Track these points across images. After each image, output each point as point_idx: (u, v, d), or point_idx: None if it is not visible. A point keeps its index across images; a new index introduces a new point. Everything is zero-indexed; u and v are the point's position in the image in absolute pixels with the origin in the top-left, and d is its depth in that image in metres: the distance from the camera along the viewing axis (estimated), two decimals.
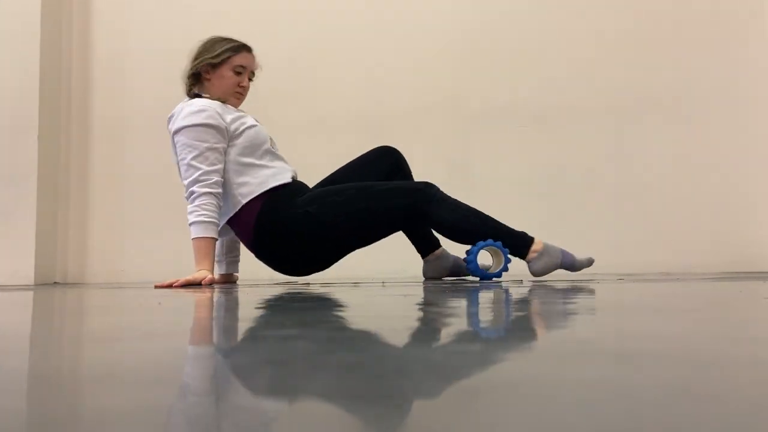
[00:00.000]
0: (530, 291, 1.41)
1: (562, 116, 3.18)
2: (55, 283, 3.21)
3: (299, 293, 1.51)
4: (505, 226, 2.05)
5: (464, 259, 2.05)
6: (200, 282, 1.89)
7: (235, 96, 2.16)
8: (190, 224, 1.96)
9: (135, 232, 3.28)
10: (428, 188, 2.05)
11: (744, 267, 3.01)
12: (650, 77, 3.17)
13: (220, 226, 2.06)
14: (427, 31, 3.28)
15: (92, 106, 3.39)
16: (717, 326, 0.71)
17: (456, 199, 2.06)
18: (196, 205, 1.96)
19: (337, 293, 1.47)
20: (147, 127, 3.34)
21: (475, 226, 2.01)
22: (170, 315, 0.99)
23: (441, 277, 2.23)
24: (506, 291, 1.44)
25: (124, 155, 3.35)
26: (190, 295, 1.50)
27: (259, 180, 2.03)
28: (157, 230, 3.23)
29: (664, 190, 3.13)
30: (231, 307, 1.16)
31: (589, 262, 2.10)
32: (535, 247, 2.02)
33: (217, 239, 2.00)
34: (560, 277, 2.16)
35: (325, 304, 1.16)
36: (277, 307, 1.11)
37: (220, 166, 2.01)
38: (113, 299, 1.50)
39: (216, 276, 2.18)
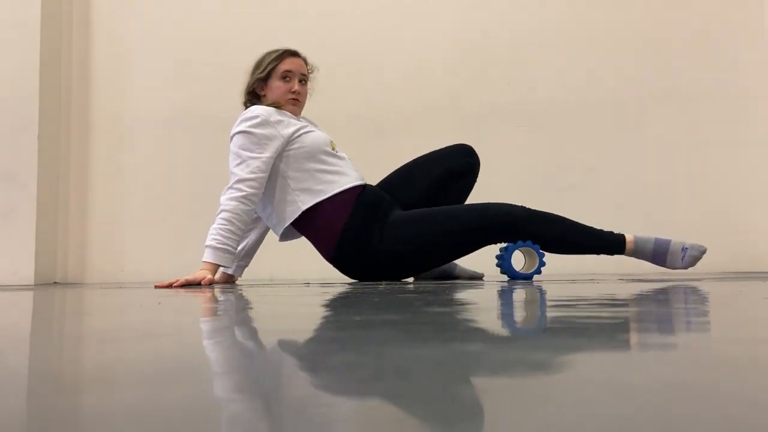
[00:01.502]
0: (530, 291, 1.41)
1: (562, 116, 3.18)
2: (55, 283, 3.21)
3: (300, 293, 1.51)
4: (590, 227, 2.05)
5: (498, 263, 2.04)
6: (200, 282, 1.89)
7: (290, 103, 2.14)
8: (206, 245, 1.94)
9: (135, 232, 3.28)
10: (511, 210, 2.04)
11: (744, 267, 3.01)
12: (650, 77, 3.17)
13: (281, 232, 2.05)
14: (427, 31, 3.28)
15: (92, 106, 3.39)
16: (717, 326, 0.71)
17: (540, 212, 2.06)
18: (215, 226, 1.94)
19: (338, 293, 1.47)
20: (147, 127, 3.34)
21: (573, 236, 2.02)
22: (170, 315, 0.99)
23: (430, 278, 2.23)
24: (504, 291, 1.44)
25: (124, 155, 3.35)
26: (189, 295, 1.50)
27: (322, 186, 2.00)
28: (157, 230, 3.23)
29: (664, 190, 3.13)
30: (231, 307, 1.16)
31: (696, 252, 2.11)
32: (628, 246, 2.04)
33: (226, 265, 1.98)
34: (560, 276, 2.16)
35: (325, 304, 1.16)
36: (277, 307, 1.11)
37: (261, 176, 1.97)
38: (113, 299, 1.50)
39: (218, 276, 2.18)
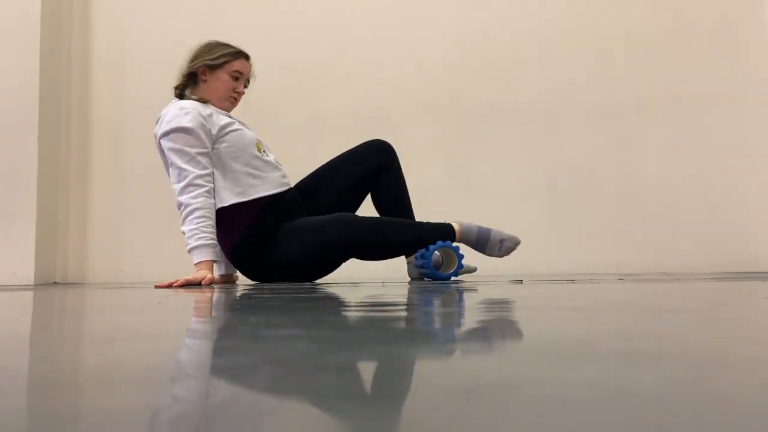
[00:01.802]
0: (529, 291, 1.41)
1: (562, 116, 3.18)
2: (55, 283, 3.21)
3: (299, 293, 1.51)
4: (422, 223, 2.09)
5: (415, 263, 2.06)
6: (200, 282, 1.89)
7: (229, 100, 2.17)
8: (190, 248, 1.94)
9: (135, 232, 3.28)
10: (341, 218, 2.05)
11: (744, 267, 3.01)
12: (650, 78, 3.17)
13: None
14: (427, 31, 3.28)
15: (92, 106, 3.39)
16: (717, 326, 0.71)
17: (367, 217, 2.07)
18: (194, 227, 1.95)
19: (337, 293, 1.47)
20: (147, 127, 3.32)
21: (406, 235, 2.04)
22: (170, 315, 0.99)
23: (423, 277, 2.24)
24: (504, 291, 1.44)
25: (124, 155, 3.35)
26: (189, 295, 1.50)
27: (240, 189, 2.03)
28: (157, 230, 3.23)
29: (663, 190, 3.13)
30: (231, 307, 1.16)
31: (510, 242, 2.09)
32: (457, 235, 2.06)
33: (217, 260, 2.00)
34: (560, 276, 2.16)
35: (325, 304, 1.16)
36: (277, 307, 1.11)
37: (211, 170, 2.01)
38: (113, 299, 1.50)
39: (216, 276, 2.19)
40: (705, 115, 3.14)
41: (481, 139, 3.20)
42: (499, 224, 2.19)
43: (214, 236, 1.97)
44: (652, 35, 3.20)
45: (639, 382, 0.39)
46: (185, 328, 0.83)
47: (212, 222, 1.97)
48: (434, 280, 2.02)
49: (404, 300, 1.21)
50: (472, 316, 0.88)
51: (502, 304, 1.08)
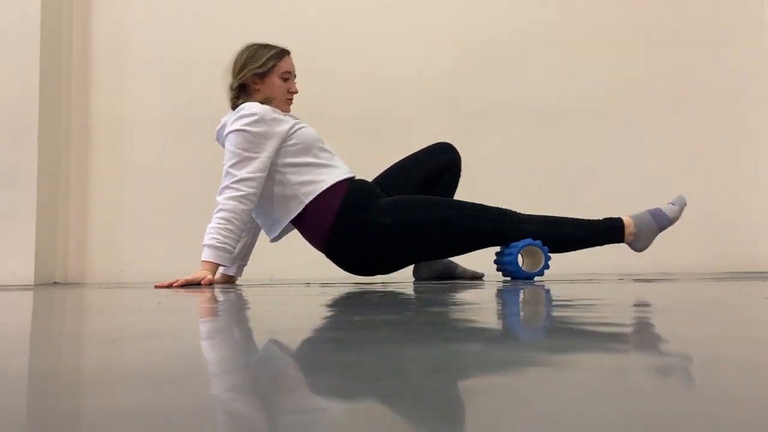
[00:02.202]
0: (529, 291, 1.41)
1: (562, 116, 3.18)
2: (55, 283, 3.21)
3: (300, 293, 1.51)
4: (584, 220, 2.07)
5: (500, 261, 2.05)
6: (199, 282, 1.89)
7: (286, 103, 2.15)
8: (203, 245, 1.94)
9: (135, 232, 3.28)
10: (506, 215, 2.06)
11: (744, 267, 3.01)
12: (650, 77, 3.17)
13: (279, 230, 2.06)
14: (427, 31, 3.28)
15: (92, 106, 3.39)
16: (717, 326, 0.71)
17: (531, 215, 2.08)
18: (214, 225, 1.94)
19: (337, 293, 1.47)
20: (147, 127, 3.34)
21: (565, 233, 2.04)
22: (170, 315, 1.00)
23: (431, 278, 2.23)
24: (503, 291, 1.44)
25: (124, 155, 3.35)
26: (190, 295, 1.50)
27: (321, 177, 2.01)
28: (157, 230, 3.23)
29: (664, 190, 3.12)
30: (231, 307, 1.16)
31: (679, 205, 2.14)
32: (628, 229, 2.05)
33: (225, 265, 1.99)
34: (560, 276, 2.16)
35: (324, 305, 1.16)
36: (277, 307, 1.11)
37: (259, 175, 1.97)
38: (113, 299, 1.50)
39: (217, 276, 2.19)
40: (705, 115, 3.14)
41: (481, 139, 3.20)
42: None
43: (230, 242, 1.94)
44: (652, 35, 3.20)
45: (639, 381, 0.39)
46: (186, 328, 0.83)
47: (234, 227, 1.94)
48: (516, 278, 2.00)
49: (404, 300, 1.21)
50: (471, 316, 0.88)
51: (502, 304, 1.08)
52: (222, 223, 1.94)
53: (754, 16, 3.16)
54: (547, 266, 1.98)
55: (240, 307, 1.15)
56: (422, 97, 3.23)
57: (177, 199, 3.25)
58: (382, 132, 3.21)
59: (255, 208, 2.07)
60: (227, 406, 0.36)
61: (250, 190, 1.96)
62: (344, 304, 1.16)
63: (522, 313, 0.92)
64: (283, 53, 2.15)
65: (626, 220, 2.08)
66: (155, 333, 0.74)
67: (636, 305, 1.03)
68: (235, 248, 1.98)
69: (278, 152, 2.02)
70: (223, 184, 1.98)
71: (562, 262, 2.91)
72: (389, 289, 1.61)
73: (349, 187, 2.03)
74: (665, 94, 3.16)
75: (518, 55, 3.23)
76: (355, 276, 2.30)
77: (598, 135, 3.16)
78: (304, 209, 2.01)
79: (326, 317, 0.92)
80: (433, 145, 2.26)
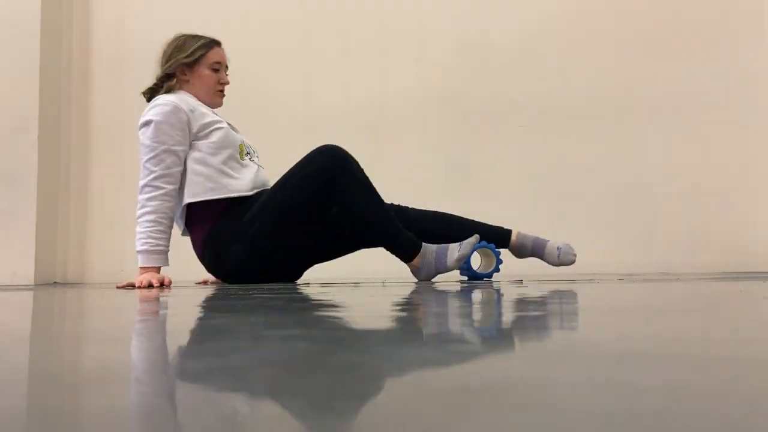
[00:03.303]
0: (529, 291, 1.41)
1: (562, 116, 3.18)
2: (55, 283, 3.21)
3: (299, 293, 1.51)
4: (398, 227, 1.97)
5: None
6: (150, 284, 1.89)
7: (217, 95, 2.12)
8: (137, 251, 1.94)
9: (135, 232, 3.27)
10: (330, 161, 1.92)
11: (744, 267, 3.01)
12: (650, 77, 3.17)
13: (181, 227, 2.05)
14: (428, 31, 3.28)
15: (92, 106, 3.39)
16: (717, 326, 0.71)
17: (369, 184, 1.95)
18: (143, 230, 1.93)
19: (337, 293, 1.47)
20: None
21: (380, 219, 1.93)
22: (170, 315, 1.00)
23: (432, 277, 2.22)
24: (504, 291, 1.44)
25: (124, 155, 3.35)
26: (190, 295, 1.50)
27: (210, 185, 1.97)
28: None
29: (664, 190, 3.13)
30: (231, 307, 1.16)
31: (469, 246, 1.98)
32: (416, 259, 1.96)
33: (164, 265, 1.97)
34: (560, 276, 2.16)
35: (324, 305, 1.16)
36: (277, 307, 1.11)
37: (176, 170, 1.96)
38: (113, 299, 1.50)
39: (212, 277, 2.21)
40: (705, 115, 3.14)
41: (481, 139, 3.20)
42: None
43: (163, 242, 1.94)
44: (652, 36, 3.20)
45: (639, 382, 0.39)
46: (186, 328, 0.83)
47: (163, 227, 1.94)
48: (473, 279, 2.04)
49: (403, 300, 1.21)
50: (470, 316, 0.88)
51: (501, 304, 1.08)
52: (151, 226, 1.94)
53: (754, 16, 3.16)
54: (500, 263, 2.04)
55: (240, 307, 1.15)
56: (422, 97, 3.23)
57: None
58: (381, 132, 3.21)
59: None
60: (227, 407, 0.36)
61: (170, 186, 1.95)
62: (344, 305, 1.15)
63: (520, 314, 0.92)
64: (212, 43, 2.11)
65: (423, 247, 1.97)
66: (155, 333, 0.74)
67: (636, 305, 1.03)
68: (168, 246, 1.97)
69: (193, 144, 1.99)
70: (143, 181, 1.96)
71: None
72: (392, 289, 1.61)
73: (226, 208, 1.98)
74: (665, 94, 3.16)
75: (518, 55, 3.23)
76: (354, 276, 2.30)
77: (599, 135, 3.16)
78: (189, 208, 1.99)
79: (326, 317, 0.92)
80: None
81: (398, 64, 3.25)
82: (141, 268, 1.94)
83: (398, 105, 3.23)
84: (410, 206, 2.14)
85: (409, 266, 1.98)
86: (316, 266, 2.31)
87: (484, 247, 2.02)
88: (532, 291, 1.40)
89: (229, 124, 2.13)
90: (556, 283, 1.81)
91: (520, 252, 2.15)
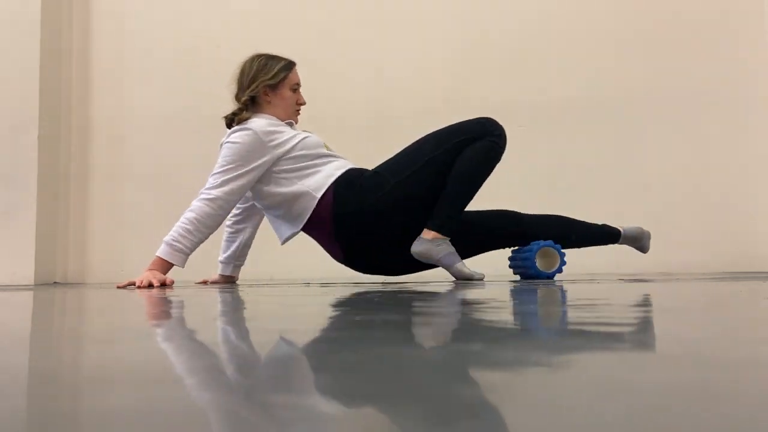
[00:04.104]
0: (529, 291, 1.41)
1: (562, 116, 3.18)
2: (55, 283, 3.21)
3: (299, 293, 1.51)
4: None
5: (516, 260, 2.08)
6: (152, 284, 1.88)
7: (295, 114, 2.16)
8: (165, 241, 1.94)
9: (135, 232, 3.28)
10: (491, 124, 2.03)
11: (744, 267, 3.01)
12: (650, 77, 3.17)
13: (284, 236, 2.05)
14: (428, 31, 3.28)
15: (92, 106, 3.39)
16: (717, 326, 0.71)
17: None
18: (179, 225, 1.94)
19: (337, 293, 1.47)
20: (147, 127, 3.34)
21: (465, 184, 2.02)
22: (170, 315, 1.00)
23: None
24: (504, 291, 1.44)
25: (124, 155, 3.35)
26: (190, 295, 1.50)
27: (319, 179, 1.99)
28: (157, 230, 3.21)
29: (664, 190, 3.13)
30: (232, 307, 1.16)
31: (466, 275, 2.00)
32: (438, 235, 1.98)
33: (178, 265, 1.96)
34: (560, 276, 2.16)
35: (324, 304, 1.16)
36: (277, 306, 1.11)
37: (235, 186, 1.95)
38: (113, 299, 1.50)
39: (216, 277, 2.22)
40: (705, 115, 3.13)
41: None
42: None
43: (185, 242, 1.93)
44: (651, 35, 3.20)
45: (639, 382, 0.39)
46: (186, 328, 0.83)
47: (193, 228, 1.93)
48: (535, 278, 2.03)
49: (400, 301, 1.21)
50: (471, 316, 0.88)
51: (502, 304, 1.08)
52: (183, 223, 1.95)
53: (754, 16, 3.16)
54: (563, 264, 2.04)
55: (241, 307, 1.15)
56: (422, 97, 3.23)
57: (177, 200, 3.24)
58: (381, 132, 3.21)
59: (274, 211, 2.06)
60: (227, 407, 0.36)
61: (221, 194, 1.95)
62: (345, 304, 1.16)
63: (520, 314, 0.92)
64: (291, 64, 2.14)
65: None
66: (155, 333, 0.74)
67: (636, 305, 1.03)
68: (190, 251, 1.96)
69: (282, 160, 2.00)
70: (203, 188, 1.98)
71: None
72: (392, 289, 1.61)
73: (339, 176, 2.01)
74: (665, 94, 3.16)
75: (518, 55, 3.23)
76: (354, 276, 2.30)
77: (599, 135, 3.16)
78: (310, 214, 1.99)
79: (326, 317, 0.92)
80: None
81: (398, 64, 3.25)
82: (155, 257, 1.94)
83: (398, 105, 3.22)
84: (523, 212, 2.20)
85: (425, 232, 1.97)
86: (317, 266, 2.31)
87: (549, 246, 2.01)
88: (532, 291, 1.40)
89: (306, 131, 2.16)
90: (553, 283, 1.81)
91: (634, 243, 2.25)
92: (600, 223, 2.20)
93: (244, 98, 2.07)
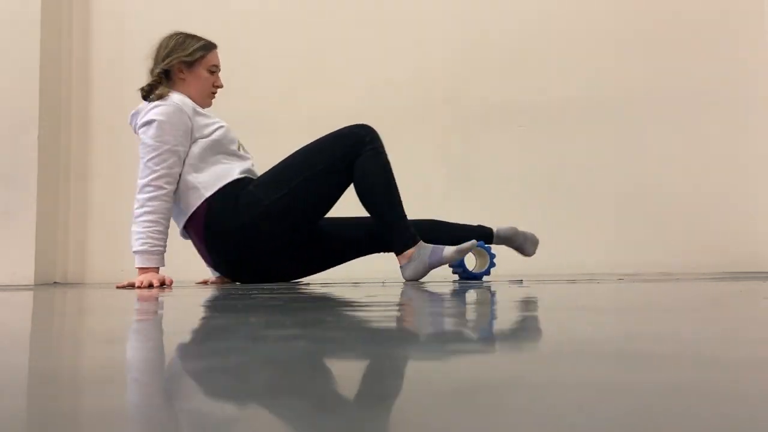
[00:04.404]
0: (529, 291, 1.41)
1: (562, 116, 3.18)
2: (55, 283, 3.21)
3: (299, 293, 1.51)
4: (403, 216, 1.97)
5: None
6: (151, 284, 1.88)
7: (210, 97, 2.12)
8: (134, 251, 1.93)
9: (131, 232, 3.27)
10: (362, 130, 2.01)
11: (744, 267, 3.01)
12: (650, 77, 3.17)
13: (180, 226, 2.03)
14: (428, 31, 3.28)
15: (92, 106, 3.39)
16: (717, 326, 0.71)
17: (387, 163, 2.00)
18: (142, 230, 1.92)
19: (337, 293, 1.47)
20: None
21: (387, 200, 1.94)
22: (170, 315, 1.00)
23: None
24: (502, 291, 1.44)
25: (124, 155, 3.35)
26: (191, 295, 1.50)
27: (211, 178, 1.96)
28: None
29: (664, 190, 3.13)
30: (232, 307, 1.16)
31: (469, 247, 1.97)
32: (409, 251, 1.94)
33: (161, 266, 1.95)
34: (560, 276, 2.16)
35: (325, 304, 1.16)
36: (277, 306, 1.11)
37: (176, 170, 1.95)
38: (113, 299, 1.50)
39: (214, 277, 2.22)
40: (705, 115, 3.13)
41: (481, 139, 3.20)
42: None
43: (162, 243, 1.93)
44: (651, 35, 3.20)
45: (639, 382, 0.39)
46: (186, 328, 0.83)
47: (162, 227, 1.93)
48: (466, 279, 2.05)
49: (398, 300, 1.21)
50: (473, 315, 0.88)
51: (501, 304, 1.08)
52: (150, 226, 1.93)
53: (754, 16, 3.16)
54: (493, 266, 2.06)
55: (241, 307, 1.15)
56: (422, 97, 3.23)
57: None
58: (381, 132, 3.20)
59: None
60: (227, 406, 0.36)
61: (170, 187, 1.94)
62: (345, 304, 1.15)
63: (520, 314, 0.92)
64: (211, 45, 2.11)
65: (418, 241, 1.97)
66: (155, 333, 0.74)
67: (636, 305, 1.03)
68: (165, 247, 1.96)
69: (194, 144, 1.98)
70: (143, 181, 1.95)
71: (561, 262, 2.91)
72: (392, 288, 1.61)
73: (224, 186, 1.96)
74: (665, 94, 3.16)
75: (518, 55, 3.23)
76: (357, 276, 2.30)
77: (599, 135, 3.16)
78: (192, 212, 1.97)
79: (326, 317, 0.92)
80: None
81: (398, 63, 3.25)
82: (138, 268, 1.93)
83: (398, 105, 3.22)
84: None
85: (400, 259, 1.95)
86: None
87: (479, 247, 2.02)
88: (531, 291, 1.40)
89: (221, 120, 2.13)
90: (555, 283, 1.81)
91: (509, 244, 2.19)
92: (475, 224, 2.18)
93: (157, 71, 2.06)
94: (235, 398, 0.38)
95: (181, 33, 2.11)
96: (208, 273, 2.28)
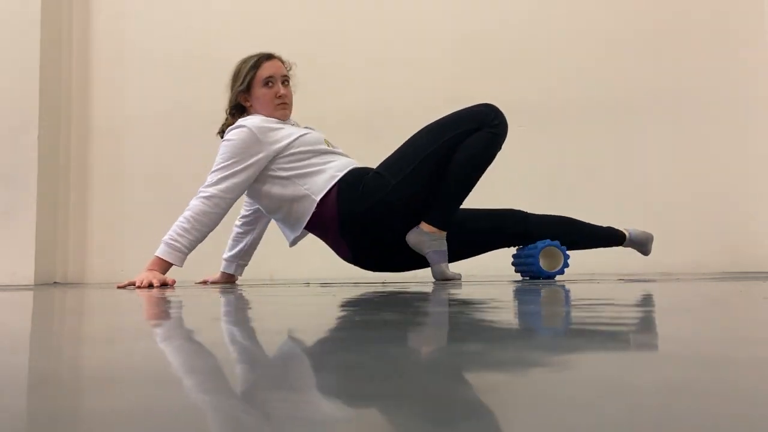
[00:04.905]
0: (530, 291, 1.41)
1: (562, 116, 3.18)
2: (55, 283, 3.21)
3: (299, 293, 1.51)
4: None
5: (520, 258, 2.07)
6: (151, 284, 1.88)
7: (279, 108, 2.09)
8: (163, 240, 1.95)
9: (135, 232, 3.28)
10: (488, 109, 2.04)
11: (744, 267, 3.01)
12: (650, 77, 3.17)
13: (295, 236, 2.04)
14: (428, 31, 3.28)
15: (92, 106, 3.39)
16: (717, 326, 0.71)
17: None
18: (177, 224, 1.95)
19: (337, 293, 1.47)
20: (147, 127, 3.34)
21: (463, 178, 2.02)
22: (170, 315, 1.00)
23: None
24: (504, 291, 1.44)
25: (124, 155, 3.35)
26: (191, 294, 1.50)
27: (320, 182, 1.98)
28: (157, 230, 3.20)
29: (664, 190, 3.13)
30: (233, 306, 1.16)
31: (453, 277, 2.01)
32: (437, 230, 1.98)
33: (176, 264, 1.96)
34: (560, 276, 2.16)
35: (325, 304, 1.16)
36: (278, 306, 1.11)
37: (230, 197, 1.96)
38: (113, 299, 1.50)
39: (218, 276, 2.23)
40: (705, 115, 3.13)
41: None
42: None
43: (183, 241, 1.93)
44: (651, 35, 3.20)
45: (639, 382, 0.39)
46: (186, 328, 0.83)
47: (190, 227, 1.93)
48: (539, 278, 2.02)
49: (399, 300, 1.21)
50: (473, 316, 0.88)
51: (502, 304, 1.08)
52: (180, 222, 1.96)
53: (754, 16, 3.16)
54: (566, 266, 2.02)
55: (242, 306, 1.15)
56: (422, 97, 3.22)
57: (177, 199, 3.23)
58: (380, 132, 3.20)
59: (273, 215, 2.06)
60: (227, 406, 0.36)
61: (217, 192, 1.95)
62: (344, 304, 1.15)
63: (521, 314, 0.92)
64: (260, 60, 2.10)
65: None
66: (155, 333, 0.74)
67: (637, 305, 1.03)
68: (188, 249, 1.95)
69: (278, 159, 2.00)
70: (201, 187, 1.98)
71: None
72: (392, 288, 1.61)
73: (342, 177, 2.00)
74: (666, 94, 3.16)
75: (518, 55, 3.23)
76: (354, 276, 2.30)
77: (599, 135, 3.16)
78: (313, 213, 1.98)
79: (326, 317, 0.92)
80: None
81: (398, 64, 3.25)
82: (154, 257, 1.94)
83: (398, 105, 3.22)
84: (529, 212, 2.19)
85: (425, 226, 1.97)
86: (317, 266, 2.31)
87: (552, 245, 2.00)
88: (531, 291, 1.40)
89: (307, 127, 2.16)
90: (554, 283, 1.81)
91: (639, 247, 2.24)
92: (605, 225, 2.19)
93: (228, 110, 2.13)
94: (235, 398, 0.38)
95: (238, 63, 2.13)
96: (209, 273, 2.28)
